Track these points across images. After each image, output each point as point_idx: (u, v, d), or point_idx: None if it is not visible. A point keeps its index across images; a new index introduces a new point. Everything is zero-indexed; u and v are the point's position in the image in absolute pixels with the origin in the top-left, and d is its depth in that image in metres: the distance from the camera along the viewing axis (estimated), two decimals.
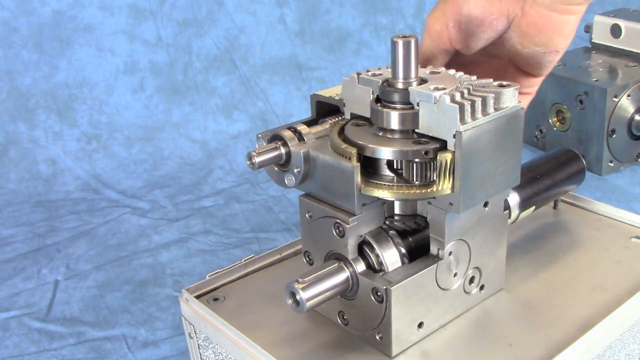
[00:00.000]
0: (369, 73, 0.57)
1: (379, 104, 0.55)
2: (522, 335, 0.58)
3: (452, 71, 0.56)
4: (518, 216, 0.68)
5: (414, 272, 0.55)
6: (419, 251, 0.58)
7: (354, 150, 0.53)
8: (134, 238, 1.22)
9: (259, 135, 0.59)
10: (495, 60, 0.63)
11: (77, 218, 1.31)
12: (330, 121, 0.60)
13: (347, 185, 0.54)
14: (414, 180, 0.53)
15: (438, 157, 0.51)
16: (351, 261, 0.56)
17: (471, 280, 0.60)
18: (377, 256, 0.56)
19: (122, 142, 1.53)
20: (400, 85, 0.53)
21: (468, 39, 0.58)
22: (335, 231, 0.57)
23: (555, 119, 1.41)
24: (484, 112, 0.52)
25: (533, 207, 0.70)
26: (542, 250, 0.71)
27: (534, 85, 0.64)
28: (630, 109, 1.33)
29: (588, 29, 1.51)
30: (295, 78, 1.69)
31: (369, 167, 0.56)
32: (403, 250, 0.57)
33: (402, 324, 0.56)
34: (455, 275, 0.58)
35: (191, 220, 1.28)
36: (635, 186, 1.32)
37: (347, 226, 0.55)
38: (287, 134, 0.57)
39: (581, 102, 1.34)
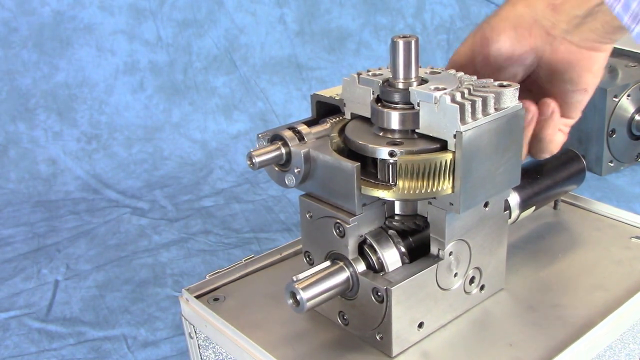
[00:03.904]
0: (369, 73, 0.57)
1: (379, 104, 0.55)
2: (522, 335, 0.58)
3: (452, 71, 0.56)
4: (518, 216, 0.68)
5: (414, 272, 0.55)
6: (419, 251, 0.58)
7: (335, 139, 0.55)
8: (134, 238, 1.22)
9: (259, 135, 0.59)
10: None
11: (77, 218, 1.31)
12: (330, 121, 0.60)
13: (347, 185, 0.54)
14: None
15: (438, 157, 0.51)
16: (351, 261, 0.56)
17: (471, 281, 0.60)
18: (378, 256, 0.56)
19: (122, 142, 1.53)
20: (400, 85, 0.53)
21: (496, 73, 0.58)
22: (336, 231, 0.56)
23: None
24: (485, 112, 0.52)
25: (533, 207, 0.70)
26: (542, 250, 0.71)
27: (566, 125, 0.63)
28: (630, 109, 1.33)
29: None
30: (295, 78, 1.69)
31: (370, 166, 0.56)
32: (403, 250, 0.57)
33: (402, 324, 0.56)
34: (455, 275, 0.58)
35: (191, 220, 1.28)
36: (635, 186, 1.32)
37: (348, 226, 0.55)
38: (288, 134, 0.57)
39: None
